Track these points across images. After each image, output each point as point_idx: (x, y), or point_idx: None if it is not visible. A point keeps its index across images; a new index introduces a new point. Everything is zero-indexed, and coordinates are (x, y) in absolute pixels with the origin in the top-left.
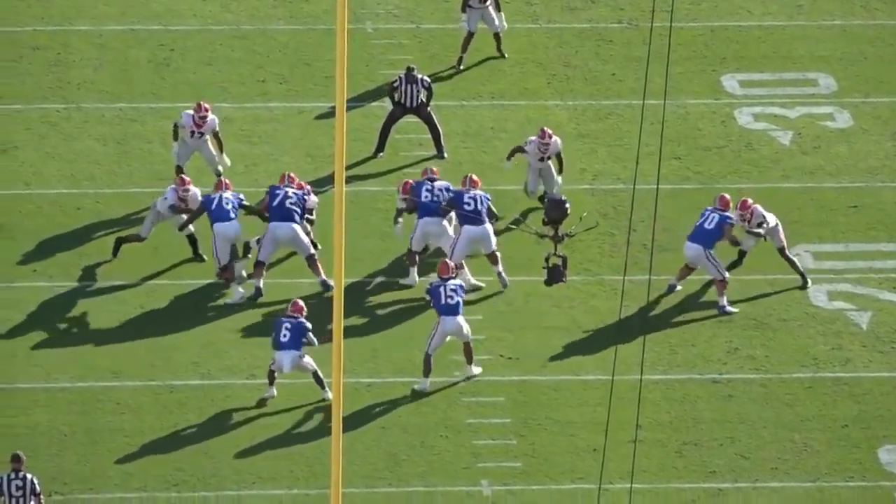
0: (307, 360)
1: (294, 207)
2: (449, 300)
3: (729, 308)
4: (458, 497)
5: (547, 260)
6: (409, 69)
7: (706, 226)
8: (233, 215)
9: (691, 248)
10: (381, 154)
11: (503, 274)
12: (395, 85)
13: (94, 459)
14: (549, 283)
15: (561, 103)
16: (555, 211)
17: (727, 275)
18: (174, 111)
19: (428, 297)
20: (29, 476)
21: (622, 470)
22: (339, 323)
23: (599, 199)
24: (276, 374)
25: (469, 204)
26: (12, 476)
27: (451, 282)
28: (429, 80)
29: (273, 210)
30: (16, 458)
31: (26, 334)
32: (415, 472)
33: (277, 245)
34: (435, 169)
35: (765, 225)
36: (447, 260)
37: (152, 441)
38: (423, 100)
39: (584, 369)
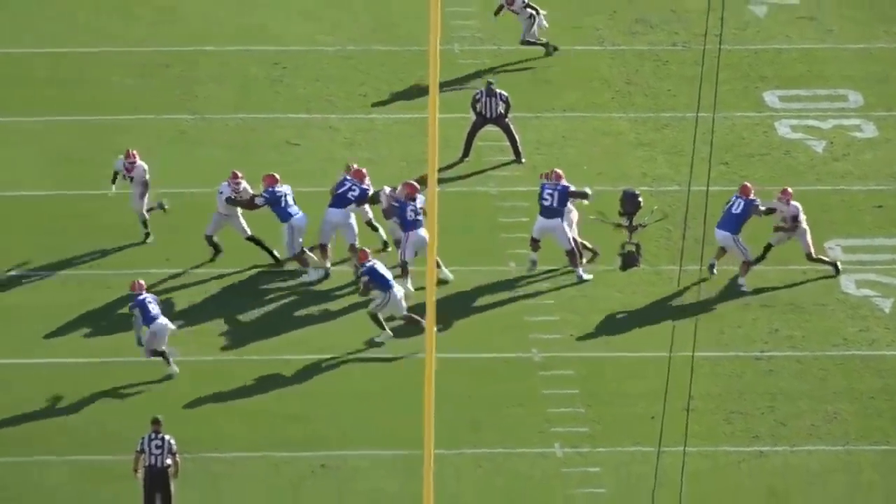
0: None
1: (351, 197)
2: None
3: (745, 288)
4: (533, 458)
5: (623, 247)
6: (489, 84)
7: (733, 210)
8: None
9: (720, 234)
10: (467, 159)
11: (581, 273)
12: (477, 98)
13: (221, 424)
14: (624, 268)
15: (623, 115)
16: (629, 204)
17: (752, 258)
18: (287, 121)
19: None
20: (167, 437)
21: (677, 435)
22: (431, 306)
23: (657, 200)
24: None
25: (547, 200)
26: (153, 436)
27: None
28: (506, 94)
29: (334, 197)
30: (155, 421)
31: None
32: (495, 437)
33: (334, 228)
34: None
35: (800, 221)
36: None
37: (271, 408)
38: (502, 111)
39: (644, 347)
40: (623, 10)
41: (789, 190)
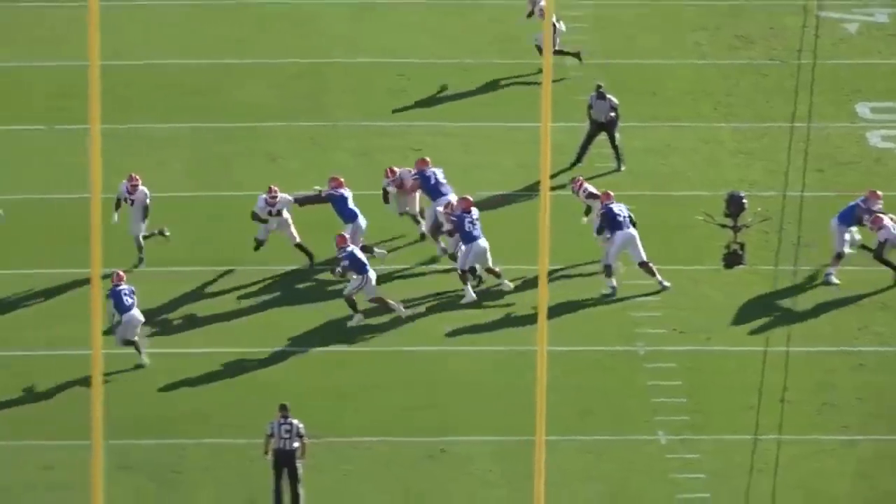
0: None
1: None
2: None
3: (833, 279)
4: (638, 444)
5: (727, 247)
6: (599, 87)
7: (849, 204)
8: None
9: (832, 222)
10: (580, 164)
11: (662, 281)
12: (590, 104)
13: (348, 411)
14: (729, 266)
15: (725, 125)
16: (734, 205)
17: (844, 252)
18: (410, 129)
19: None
20: (295, 421)
21: (772, 424)
22: (543, 302)
23: (755, 204)
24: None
25: (619, 214)
26: (281, 421)
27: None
28: (616, 101)
29: (431, 189)
30: (283, 408)
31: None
32: (602, 425)
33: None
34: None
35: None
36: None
37: (395, 396)
38: (613, 116)
39: (742, 342)
40: (725, 27)
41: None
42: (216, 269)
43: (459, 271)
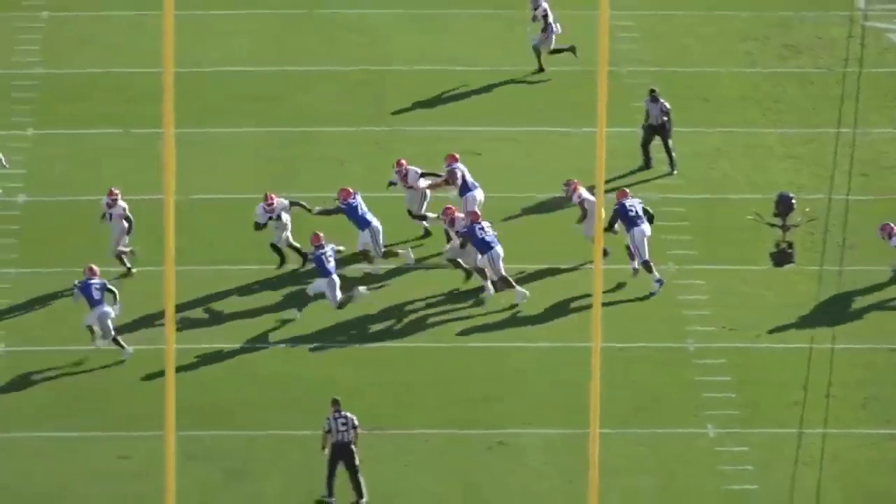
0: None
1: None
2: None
3: None
4: (688, 437)
5: (777, 245)
6: (652, 91)
7: None
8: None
9: None
10: (649, 168)
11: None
12: (646, 108)
13: (411, 403)
14: (778, 264)
15: (773, 131)
16: (783, 206)
17: None
18: (470, 133)
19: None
20: (349, 414)
21: (817, 419)
22: (598, 300)
23: (802, 206)
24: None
25: (632, 210)
26: (336, 416)
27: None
28: (668, 106)
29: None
30: (335, 402)
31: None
32: (654, 419)
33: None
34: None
35: None
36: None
37: (451, 392)
38: (665, 120)
39: (788, 339)
40: (774, 37)
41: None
42: (287, 267)
43: (498, 277)
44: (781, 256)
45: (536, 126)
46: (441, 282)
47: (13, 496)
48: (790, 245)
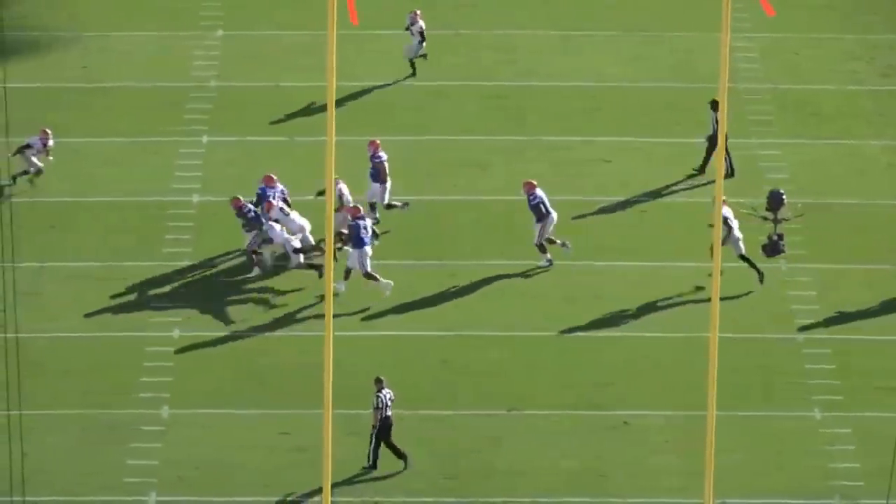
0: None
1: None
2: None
3: None
4: (795, 419)
5: (769, 238)
6: (714, 101)
7: None
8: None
9: None
10: (733, 175)
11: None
12: (713, 119)
13: (541, 388)
14: (768, 254)
15: (876, 143)
16: (774, 201)
17: None
18: (599, 144)
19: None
20: (390, 392)
21: None
22: (716, 294)
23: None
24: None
25: (540, 199)
26: (383, 393)
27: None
28: (717, 116)
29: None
30: (379, 381)
31: (483, 294)
32: (765, 402)
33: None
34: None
35: None
36: None
37: (580, 375)
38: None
39: (889, 332)
40: (879, 57)
41: None
42: (433, 262)
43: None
44: (772, 247)
45: (658, 137)
46: (575, 280)
47: (181, 466)
48: (780, 237)
